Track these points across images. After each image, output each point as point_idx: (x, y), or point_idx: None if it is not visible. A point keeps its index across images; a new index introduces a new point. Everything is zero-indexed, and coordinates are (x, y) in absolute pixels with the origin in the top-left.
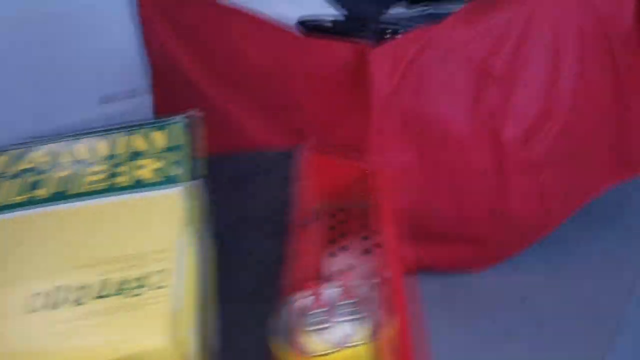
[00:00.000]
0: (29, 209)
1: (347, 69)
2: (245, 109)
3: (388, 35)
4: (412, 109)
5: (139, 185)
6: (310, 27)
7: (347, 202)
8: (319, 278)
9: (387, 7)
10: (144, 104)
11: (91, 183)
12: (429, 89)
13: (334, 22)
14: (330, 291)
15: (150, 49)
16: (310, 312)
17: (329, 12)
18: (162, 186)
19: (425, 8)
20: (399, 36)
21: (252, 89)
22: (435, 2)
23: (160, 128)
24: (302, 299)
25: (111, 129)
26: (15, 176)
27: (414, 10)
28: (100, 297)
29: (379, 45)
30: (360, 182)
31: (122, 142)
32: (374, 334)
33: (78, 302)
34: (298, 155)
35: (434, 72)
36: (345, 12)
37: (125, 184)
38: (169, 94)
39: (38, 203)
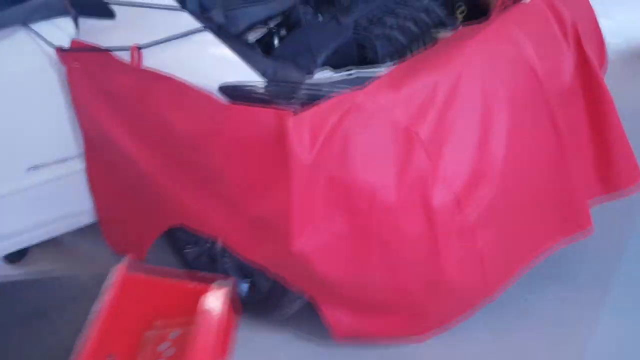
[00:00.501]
0: None
1: (270, 136)
2: (174, 180)
3: (313, 100)
4: (338, 177)
5: None
6: (233, 94)
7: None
8: None
9: (312, 72)
10: (76, 170)
11: None
12: (354, 156)
13: (257, 88)
14: None
15: (80, 115)
16: None
17: (252, 79)
18: None
19: (350, 72)
20: (323, 101)
21: (180, 158)
22: (361, 66)
23: None
24: None
25: None
26: None
27: (339, 74)
28: None
29: (302, 111)
30: (180, 302)
31: None
32: None
33: None
34: (111, 277)
35: (359, 138)
36: (268, 78)
37: None
38: (100, 161)
39: None
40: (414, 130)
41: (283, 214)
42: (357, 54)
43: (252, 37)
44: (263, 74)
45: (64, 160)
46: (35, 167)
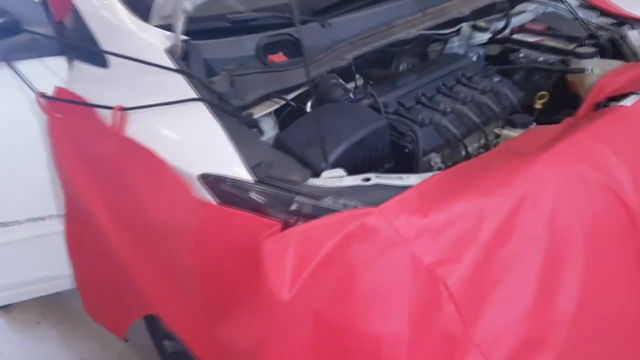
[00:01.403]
0: None
1: (246, 253)
2: (146, 267)
3: (310, 213)
4: (331, 319)
5: None
6: (215, 187)
7: None
8: None
9: (319, 172)
10: (55, 232)
11: None
12: (356, 295)
13: (242, 184)
14: None
15: (60, 172)
16: None
17: (239, 171)
18: None
19: (368, 178)
20: (322, 216)
21: (152, 245)
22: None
23: None
24: None
25: None
26: None
27: (353, 178)
28: None
29: (287, 227)
30: None
31: None
32: None
33: None
34: None
35: (365, 273)
36: (259, 175)
37: None
38: (79, 226)
39: None
40: (441, 274)
41: (255, 350)
42: (390, 145)
43: (261, 111)
44: (254, 167)
45: (40, 219)
46: (5, 225)
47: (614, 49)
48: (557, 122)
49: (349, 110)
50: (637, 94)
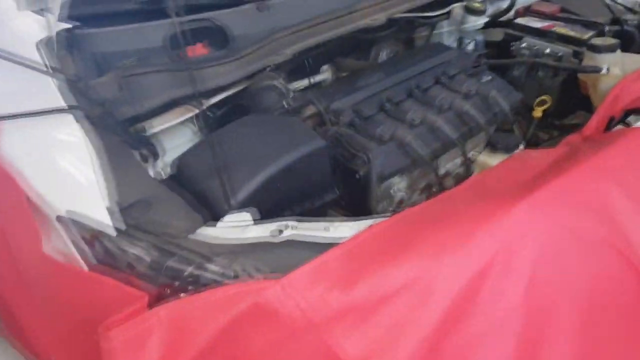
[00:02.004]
0: None
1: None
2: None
3: (190, 282)
4: None
5: None
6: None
7: None
8: None
9: (223, 215)
10: None
11: None
12: None
13: (99, 233)
14: None
15: None
16: None
17: (96, 215)
18: None
19: (283, 226)
20: (202, 290)
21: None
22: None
23: None
24: None
25: None
26: None
27: (262, 228)
28: None
29: (159, 301)
30: None
31: None
32: None
33: None
34: None
35: None
36: (128, 220)
37: None
38: None
39: None
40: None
41: None
42: (332, 171)
43: (165, 122)
44: (124, 210)
45: None
46: None
47: None
48: (564, 130)
49: (275, 127)
50: None
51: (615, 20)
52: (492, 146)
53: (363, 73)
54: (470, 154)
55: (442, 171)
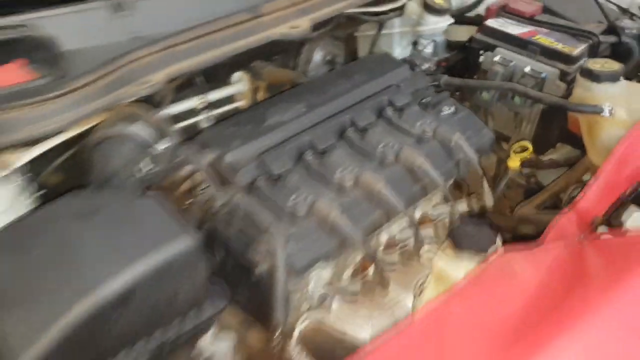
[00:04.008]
0: None
1: None
2: None
3: None
4: None
5: None
6: None
7: None
8: None
9: None
10: None
11: None
12: None
13: None
14: None
15: None
16: None
17: None
18: None
19: None
20: None
21: None
22: None
23: None
24: None
25: None
26: None
27: None
28: None
29: None
30: None
31: None
32: None
33: None
34: None
35: None
36: None
37: None
38: None
39: None
40: None
41: None
42: (208, 276)
43: None
44: None
45: None
46: None
47: None
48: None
49: (112, 215)
50: None
51: (611, 29)
52: (455, 244)
53: (278, 101)
54: (425, 251)
55: (383, 238)
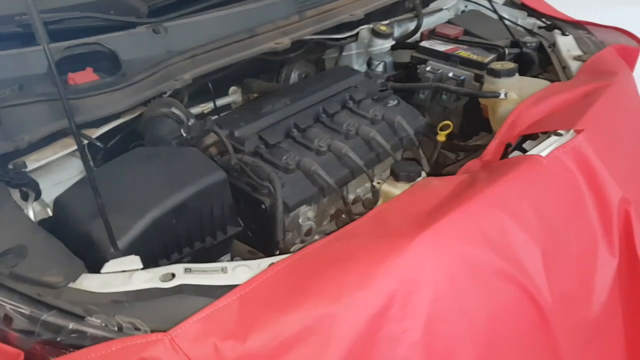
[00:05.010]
0: None
1: None
2: None
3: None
4: None
5: None
6: None
7: None
8: None
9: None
10: None
11: None
12: None
13: None
14: None
15: None
16: None
17: None
18: None
19: (169, 270)
20: (80, 348)
21: None
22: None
23: None
24: None
25: None
26: None
27: (146, 274)
28: None
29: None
30: None
31: None
32: None
33: None
34: None
35: None
36: None
37: None
38: None
39: None
40: None
41: None
42: (234, 203)
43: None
44: None
45: None
46: None
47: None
48: (469, 150)
49: (168, 159)
50: (557, 134)
51: (515, 43)
52: (395, 175)
53: (269, 98)
54: (376, 182)
55: (351, 197)
